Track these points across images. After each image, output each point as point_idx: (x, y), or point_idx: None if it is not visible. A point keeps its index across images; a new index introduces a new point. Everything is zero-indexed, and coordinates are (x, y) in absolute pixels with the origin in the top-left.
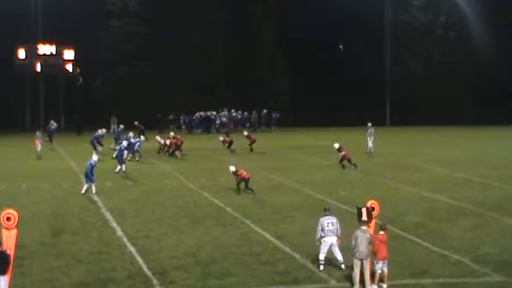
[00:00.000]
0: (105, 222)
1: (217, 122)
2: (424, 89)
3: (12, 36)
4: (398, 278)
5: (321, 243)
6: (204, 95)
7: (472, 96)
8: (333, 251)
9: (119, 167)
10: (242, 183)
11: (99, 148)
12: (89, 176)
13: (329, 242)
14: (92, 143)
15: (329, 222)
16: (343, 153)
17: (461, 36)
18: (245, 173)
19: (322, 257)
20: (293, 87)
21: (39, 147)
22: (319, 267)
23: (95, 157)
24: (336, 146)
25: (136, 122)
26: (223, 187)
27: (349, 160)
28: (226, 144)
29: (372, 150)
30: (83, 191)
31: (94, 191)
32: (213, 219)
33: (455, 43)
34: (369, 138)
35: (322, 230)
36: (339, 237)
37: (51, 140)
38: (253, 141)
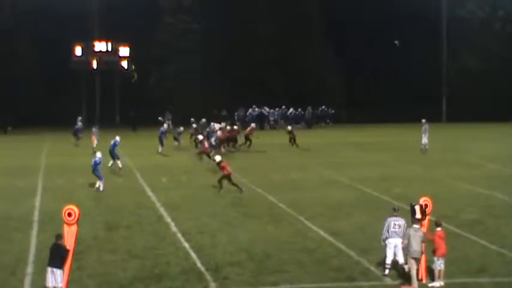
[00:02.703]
0: (160, 218)
1: (271, 118)
2: (481, 85)
3: (70, 34)
4: (455, 277)
5: (385, 244)
6: (257, 92)
7: None
8: (396, 253)
9: (111, 162)
10: (225, 180)
11: (175, 143)
12: (95, 173)
13: (393, 244)
14: (159, 138)
15: (396, 224)
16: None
17: None
18: (228, 168)
19: (388, 261)
20: (347, 84)
21: (95, 142)
22: (384, 271)
23: (99, 154)
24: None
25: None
26: (276, 183)
27: (203, 153)
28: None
29: (426, 146)
30: (101, 189)
31: (98, 187)
32: (267, 215)
33: None
34: (423, 135)
35: (388, 230)
36: (404, 240)
37: (77, 138)
38: (294, 137)
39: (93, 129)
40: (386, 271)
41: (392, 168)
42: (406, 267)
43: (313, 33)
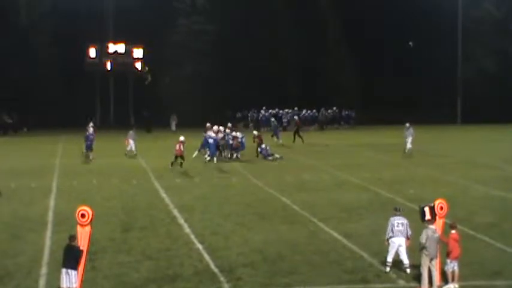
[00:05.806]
0: (173, 219)
1: (285, 120)
2: (497, 86)
3: (84, 35)
4: (471, 279)
5: (389, 243)
6: (271, 93)
7: None
8: (400, 252)
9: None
10: None
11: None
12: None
13: (397, 243)
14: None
15: (399, 223)
16: None
17: None
18: None
19: (390, 258)
20: (362, 85)
21: (130, 145)
22: (385, 269)
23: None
24: None
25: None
26: (290, 185)
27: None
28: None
29: (410, 150)
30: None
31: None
32: (280, 217)
33: None
34: (406, 139)
35: (392, 230)
36: (408, 239)
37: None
38: (260, 142)
39: (130, 132)
40: (388, 269)
41: (406, 170)
42: (408, 270)
43: (328, 34)
